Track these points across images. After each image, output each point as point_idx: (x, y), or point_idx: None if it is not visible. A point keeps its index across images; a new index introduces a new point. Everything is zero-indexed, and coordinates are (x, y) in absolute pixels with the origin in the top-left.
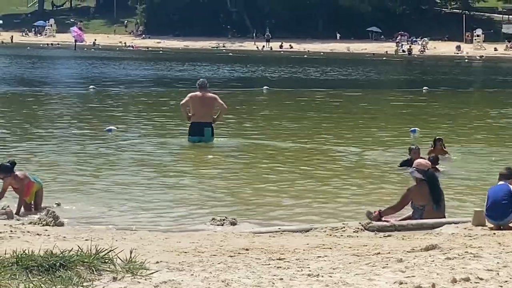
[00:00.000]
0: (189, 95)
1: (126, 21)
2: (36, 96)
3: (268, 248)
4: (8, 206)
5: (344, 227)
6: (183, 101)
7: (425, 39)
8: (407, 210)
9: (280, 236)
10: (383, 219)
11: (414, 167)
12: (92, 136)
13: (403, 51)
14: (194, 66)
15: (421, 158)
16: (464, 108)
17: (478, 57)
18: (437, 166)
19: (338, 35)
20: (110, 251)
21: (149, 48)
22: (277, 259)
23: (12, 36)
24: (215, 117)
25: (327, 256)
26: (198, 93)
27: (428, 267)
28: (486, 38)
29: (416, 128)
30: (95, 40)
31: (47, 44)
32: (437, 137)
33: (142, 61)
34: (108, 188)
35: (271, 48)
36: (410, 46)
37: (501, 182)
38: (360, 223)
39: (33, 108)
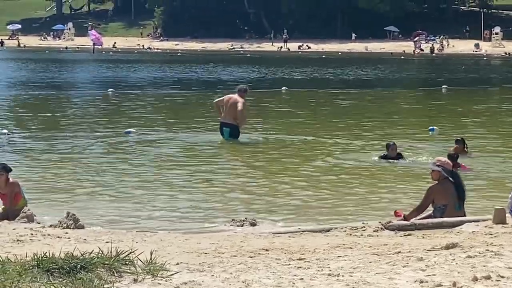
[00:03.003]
0: (225, 96)
1: (154, 22)
2: (55, 99)
3: (288, 249)
4: (28, 209)
5: (364, 226)
6: (216, 100)
7: (444, 36)
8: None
9: (300, 236)
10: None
11: (440, 165)
12: (111, 139)
13: (421, 50)
14: (212, 68)
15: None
16: (484, 106)
17: (503, 54)
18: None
19: (353, 36)
20: (131, 253)
21: (168, 50)
22: (297, 259)
23: (19, 40)
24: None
25: (348, 255)
26: (231, 95)
27: (449, 266)
28: (505, 36)
29: (434, 127)
30: (115, 43)
31: (66, 47)
32: (457, 138)
33: (161, 64)
34: (127, 190)
35: (289, 49)
36: (432, 45)
37: None
38: (380, 222)
39: (52, 111)
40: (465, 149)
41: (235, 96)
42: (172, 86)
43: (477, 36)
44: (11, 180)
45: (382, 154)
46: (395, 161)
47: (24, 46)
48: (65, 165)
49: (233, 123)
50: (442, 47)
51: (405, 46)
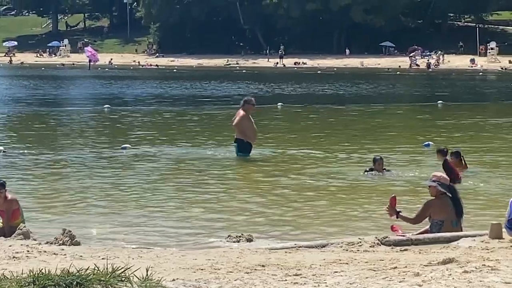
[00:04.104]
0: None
1: (148, 38)
2: (51, 115)
3: (285, 264)
4: (24, 226)
5: (360, 242)
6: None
7: (440, 52)
8: (424, 224)
9: (296, 252)
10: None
11: (436, 181)
12: (108, 155)
13: (417, 65)
14: (208, 84)
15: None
16: (480, 121)
17: (500, 69)
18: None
19: (347, 51)
20: (127, 269)
21: (164, 67)
22: (293, 275)
23: (11, 57)
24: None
25: (344, 271)
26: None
27: (445, 281)
28: (500, 51)
29: (429, 142)
30: (111, 59)
31: (63, 64)
32: (452, 151)
33: (156, 80)
34: (123, 206)
35: (284, 65)
36: (428, 60)
37: None
38: (376, 237)
39: (49, 128)
40: (462, 161)
41: (239, 111)
42: (168, 102)
43: (473, 51)
44: (10, 197)
45: (368, 168)
46: (384, 173)
47: (22, 63)
48: (61, 182)
49: (238, 137)
50: (438, 62)
51: (401, 62)
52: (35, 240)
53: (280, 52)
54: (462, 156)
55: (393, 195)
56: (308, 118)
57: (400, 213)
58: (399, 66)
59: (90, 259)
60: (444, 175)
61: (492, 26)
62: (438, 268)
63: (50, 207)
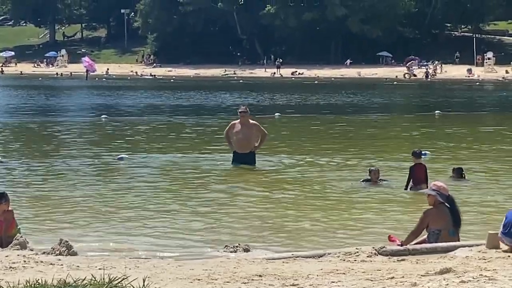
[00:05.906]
0: None
1: (143, 50)
2: (49, 125)
3: (282, 274)
4: (21, 236)
5: (357, 251)
6: None
7: (436, 62)
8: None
9: (293, 262)
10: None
11: (435, 190)
12: (104, 164)
13: (414, 75)
14: (205, 94)
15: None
16: (478, 131)
17: (501, 79)
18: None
19: (348, 61)
20: (123, 279)
21: (162, 77)
22: (290, 285)
23: (2, 69)
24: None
25: (341, 281)
26: None
27: None
28: (497, 61)
29: (427, 152)
30: (107, 69)
31: (59, 74)
32: (454, 167)
33: (154, 90)
34: (120, 216)
35: (281, 75)
36: (426, 69)
37: None
38: (373, 247)
39: (46, 138)
40: (463, 177)
41: None
42: (165, 112)
43: (470, 61)
44: (9, 207)
45: (364, 179)
46: (380, 182)
47: (21, 73)
48: (58, 192)
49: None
50: (435, 72)
51: (398, 72)
52: (31, 250)
53: (277, 62)
54: (464, 174)
55: (388, 235)
56: (305, 128)
57: (402, 242)
58: (396, 76)
59: (87, 269)
60: (444, 185)
61: (489, 36)
62: (435, 278)
63: (47, 217)
